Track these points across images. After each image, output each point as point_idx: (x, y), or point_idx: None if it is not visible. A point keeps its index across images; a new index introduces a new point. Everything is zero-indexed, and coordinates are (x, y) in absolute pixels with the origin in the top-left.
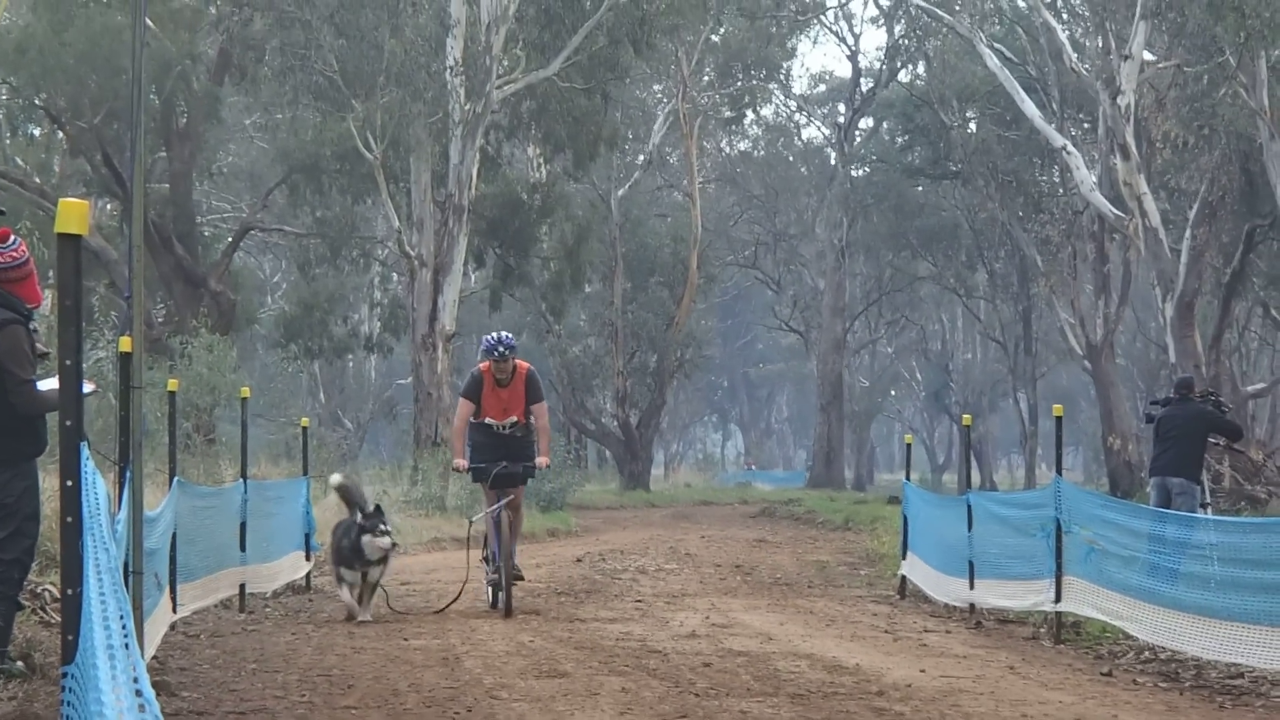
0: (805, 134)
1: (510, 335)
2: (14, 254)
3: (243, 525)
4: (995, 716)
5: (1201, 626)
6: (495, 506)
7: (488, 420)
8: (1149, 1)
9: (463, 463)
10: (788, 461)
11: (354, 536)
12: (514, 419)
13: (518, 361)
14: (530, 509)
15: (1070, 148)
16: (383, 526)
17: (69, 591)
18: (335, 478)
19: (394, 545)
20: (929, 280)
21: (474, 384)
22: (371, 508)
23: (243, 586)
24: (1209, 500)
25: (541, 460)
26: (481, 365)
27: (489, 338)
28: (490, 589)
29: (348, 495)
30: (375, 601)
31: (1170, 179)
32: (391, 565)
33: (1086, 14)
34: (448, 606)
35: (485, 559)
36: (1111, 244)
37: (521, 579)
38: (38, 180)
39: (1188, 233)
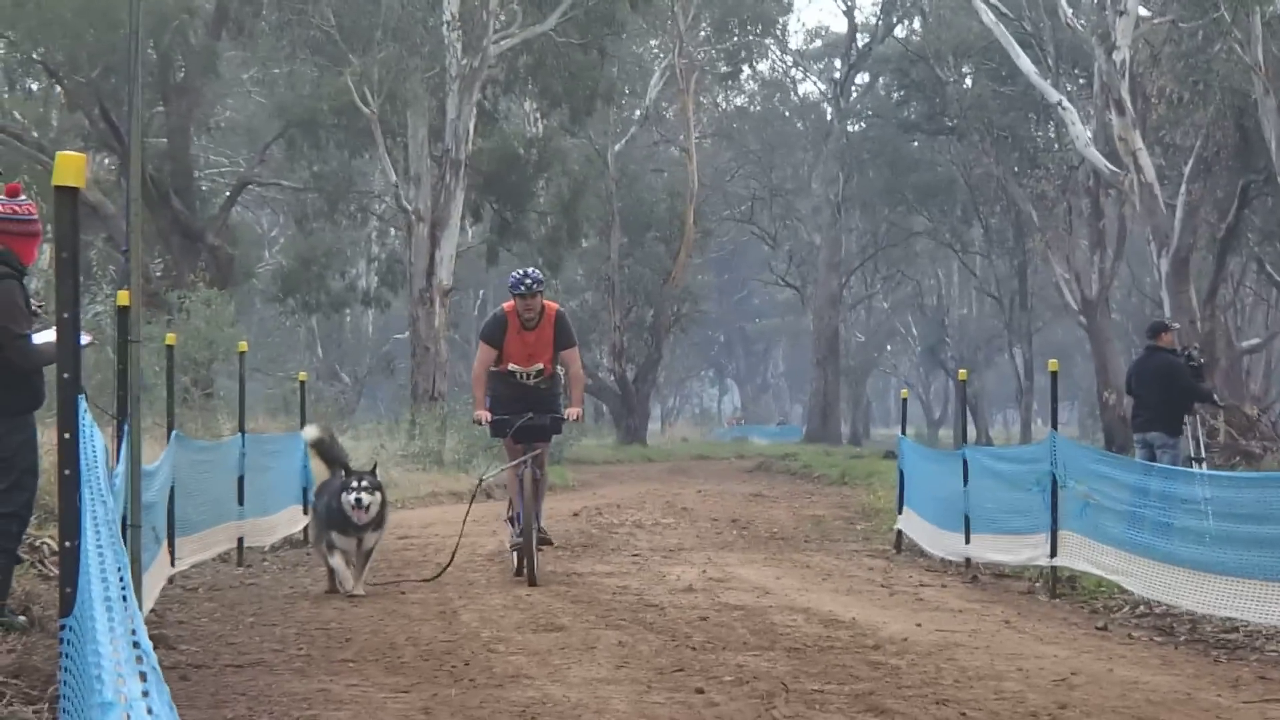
0: (801, 89)
1: (538, 271)
2: (26, 208)
3: (240, 479)
4: (990, 670)
5: (1196, 581)
6: (518, 462)
7: (511, 367)
8: None
9: (485, 414)
10: (784, 415)
11: (337, 495)
12: (540, 366)
13: (546, 301)
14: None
15: (1065, 103)
16: (366, 484)
17: (67, 544)
18: (309, 431)
19: (384, 505)
20: (925, 235)
21: (496, 325)
22: (368, 466)
23: (240, 540)
24: (1204, 455)
25: (572, 412)
26: (505, 305)
27: (515, 274)
28: (515, 554)
29: (324, 451)
30: (368, 571)
31: (1165, 134)
32: (385, 530)
33: None
34: (440, 574)
35: (510, 519)
36: (1107, 199)
37: (550, 544)
38: (36, 135)
39: (1183, 188)
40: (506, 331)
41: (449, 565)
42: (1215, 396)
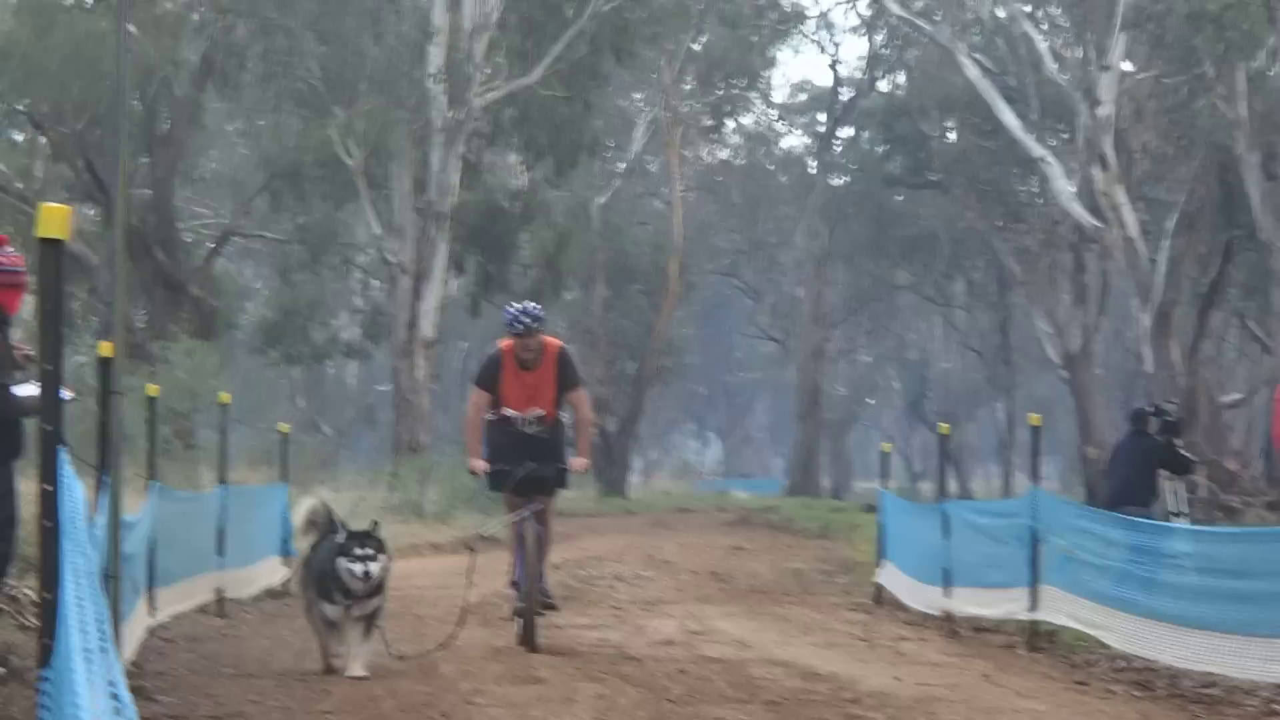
0: (785, 143)
1: (537, 306)
2: (12, 259)
3: (221, 530)
4: None
5: (1176, 635)
6: (518, 517)
7: (508, 413)
8: (1129, 13)
9: (481, 464)
10: (764, 469)
11: (332, 561)
12: (539, 411)
13: (546, 338)
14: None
15: (1049, 158)
16: (371, 549)
17: (47, 595)
18: (308, 505)
19: (385, 572)
20: (908, 289)
21: (491, 367)
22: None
23: (220, 591)
24: (1186, 510)
25: (578, 462)
26: (501, 343)
27: (511, 308)
28: (518, 619)
29: (318, 522)
30: (372, 648)
31: (1148, 189)
32: (386, 594)
33: (1066, 25)
34: (445, 645)
35: (512, 582)
36: (1090, 254)
37: (554, 608)
38: (20, 185)
39: (1166, 243)
40: (502, 372)
41: (453, 638)
42: (1193, 464)
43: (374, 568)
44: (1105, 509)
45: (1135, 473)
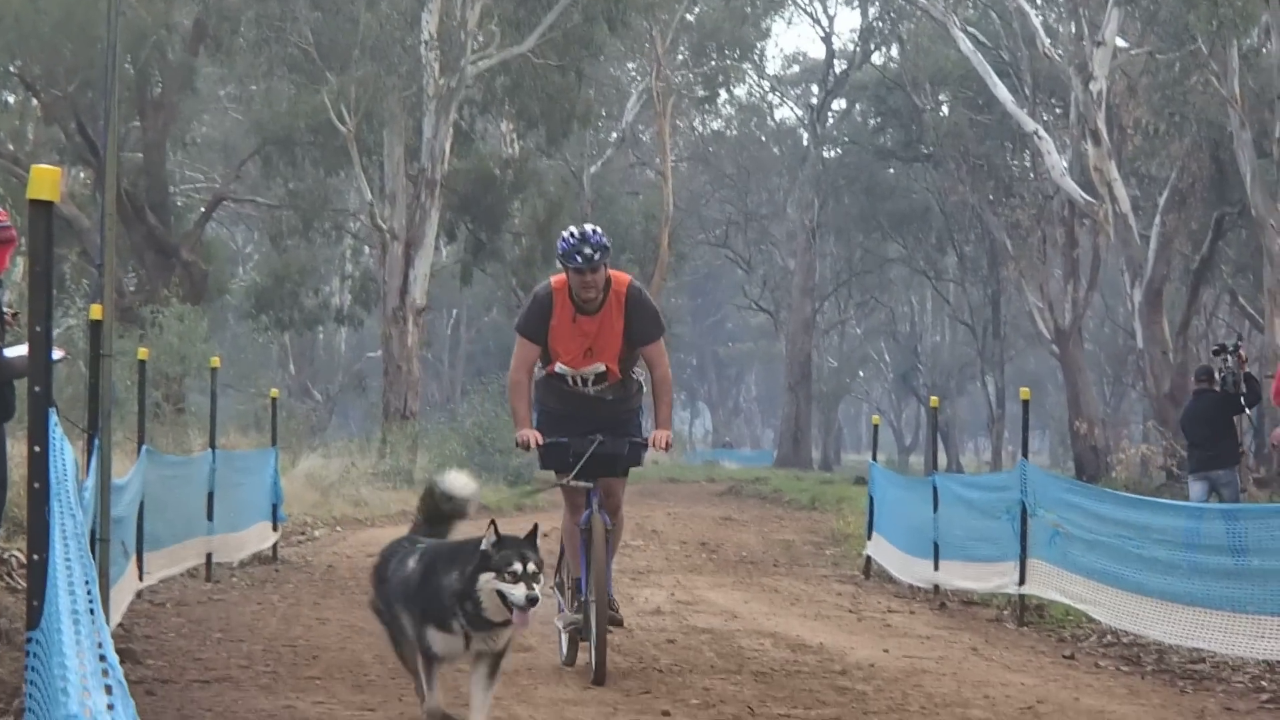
0: (778, 114)
1: (600, 231)
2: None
3: (210, 495)
4: (957, 697)
5: (1164, 611)
6: (575, 503)
7: (560, 369)
8: None
9: (533, 434)
10: (754, 441)
11: (468, 575)
12: (600, 367)
13: (613, 272)
14: (498, 483)
15: (1042, 133)
16: (531, 565)
17: (35, 557)
18: (452, 481)
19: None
20: (899, 262)
21: (538, 310)
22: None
23: (209, 556)
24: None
25: (661, 436)
26: (553, 280)
27: (569, 235)
28: (567, 636)
29: (450, 508)
30: (492, 695)
31: (1141, 165)
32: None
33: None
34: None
35: (556, 586)
36: (1081, 229)
37: (620, 623)
38: (11, 147)
39: (1157, 219)
40: (551, 318)
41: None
42: (1259, 385)
43: (539, 590)
44: (1199, 474)
45: (1215, 432)
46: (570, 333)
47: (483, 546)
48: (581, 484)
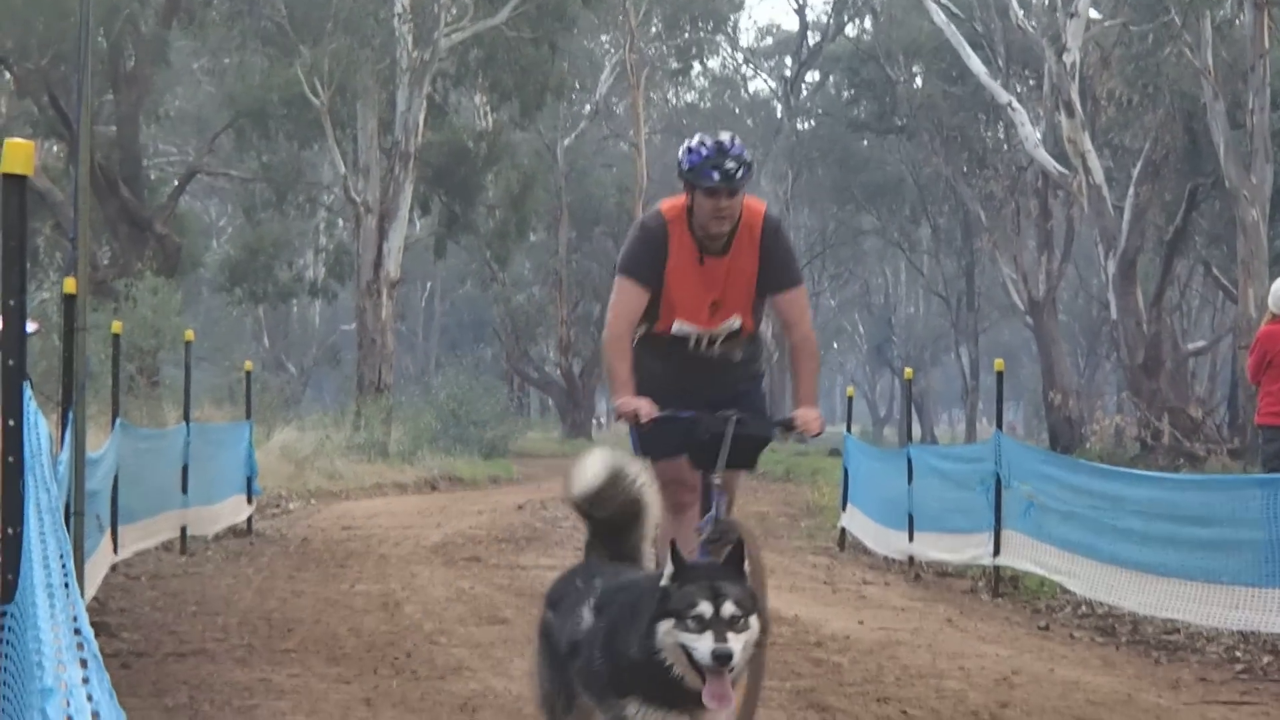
0: (752, 87)
1: (741, 143)
2: None
3: (185, 468)
4: (932, 669)
5: (1138, 582)
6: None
7: (680, 327)
8: None
9: (642, 404)
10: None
11: (645, 628)
12: (736, 322)
13: (749, 199)
14: (472, 455)
15: (1015, 104)
16: (731, 606)
17: (9, 531)
18: (598, 464)
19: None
20: (873, 234)
21: (649, 245)
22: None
23: (184, 529)
24: None
25: (806, 417)
26: (664, 206)
27: (697, 144)
28: None
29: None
30: None
31: (1114, 137)
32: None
33: None
34: None
35: None
36: (1055, 200)
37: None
38: None
39: (1131, 190)
40: (669, 259)
41: None
42: None
43: (738, 644)
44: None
45: None
46: (694, 279)
47: (663, 582)
48: (716, 479)
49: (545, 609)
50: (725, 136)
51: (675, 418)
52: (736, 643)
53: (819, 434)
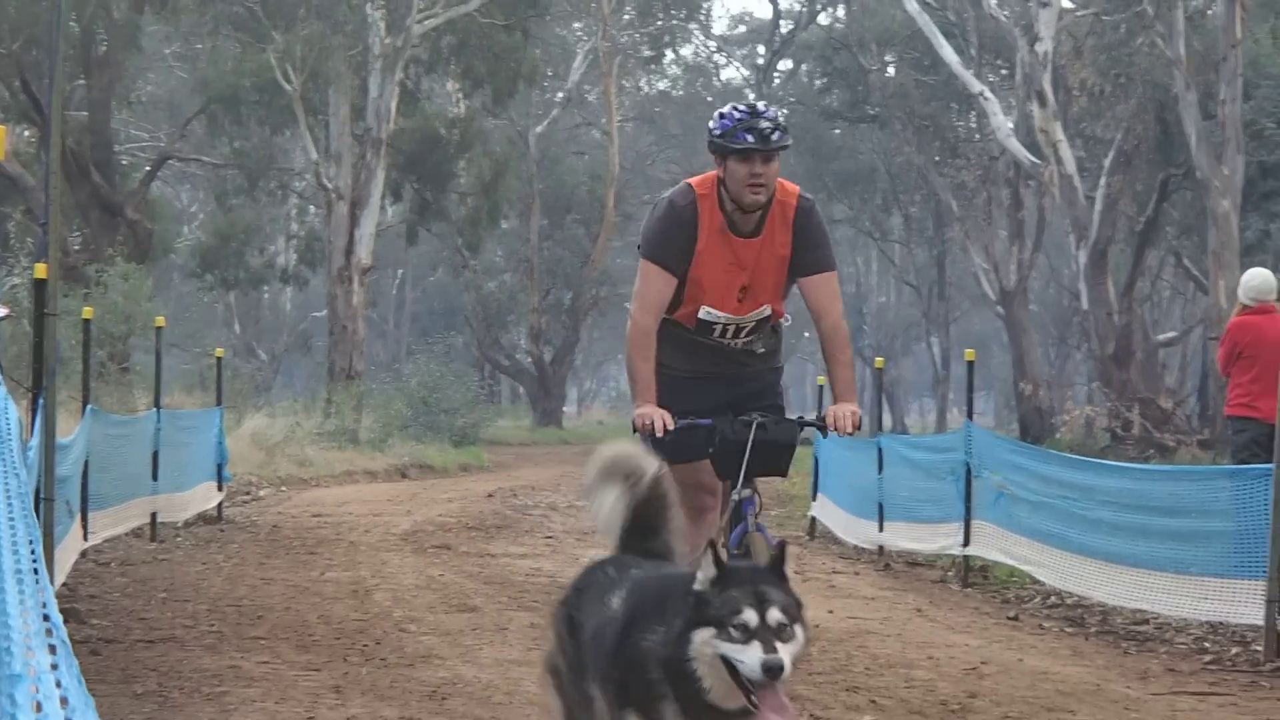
0: (724, 75)
1: (775, 109)
2: None
3: (155, 454)
4: (901, 658)
5: (1108, 573)
6: (728, 516)
7: (707, 314)
8: None
9: (662, 415)
10: None
11: (677, 634)
12: (766, 311)
13: (782, 181)
14: (443, 443)
15: (987, 94)
16: (776, 613)
17: None
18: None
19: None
20: (845, 223)
21: (677, 226)
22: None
23: (154, 515)
24: None
25: (842, 413)
26: (695, 183)
27: (730, 109)
28: None
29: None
30: None
31: (1086, 127)
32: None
33: None
34: None
35: None
36: (1027, 190)
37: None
38: None
39: (1102, 181)
40: (699, 241)
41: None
42: None
43: (788, 655)
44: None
45: None
46: (724, 263)
47: (696, 585)
48: (747, 492)
49: (569, 592)
50: (761, 103)
51: (694, 426)
52: (785, 654)
53: (853, 433)
